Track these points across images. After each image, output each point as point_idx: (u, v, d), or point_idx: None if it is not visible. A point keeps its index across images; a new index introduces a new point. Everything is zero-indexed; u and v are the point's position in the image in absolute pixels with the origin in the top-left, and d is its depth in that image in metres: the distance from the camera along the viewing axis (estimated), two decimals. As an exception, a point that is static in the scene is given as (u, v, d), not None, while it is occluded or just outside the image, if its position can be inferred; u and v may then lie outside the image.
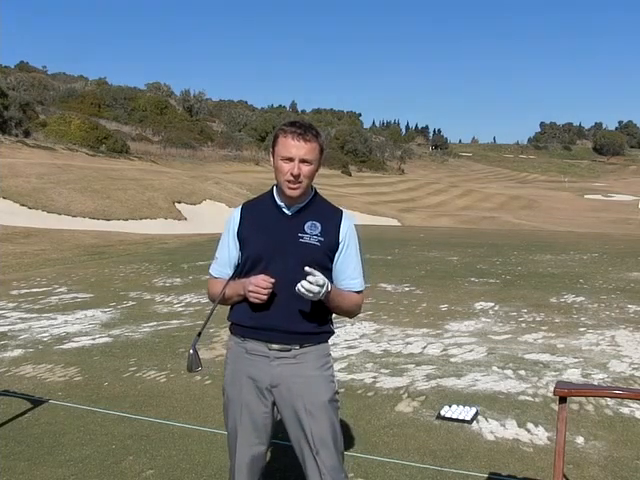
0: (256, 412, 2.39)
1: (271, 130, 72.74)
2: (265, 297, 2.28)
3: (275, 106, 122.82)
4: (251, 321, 2.37)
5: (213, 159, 56.59)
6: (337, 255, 2.40)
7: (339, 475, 2.38)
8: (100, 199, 26.42)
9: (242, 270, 2.41)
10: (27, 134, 43.17)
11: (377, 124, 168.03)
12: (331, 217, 2.42)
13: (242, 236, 2.42)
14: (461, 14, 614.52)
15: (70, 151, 40.92)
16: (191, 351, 2.42)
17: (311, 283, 2.19)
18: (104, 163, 37.68)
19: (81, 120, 45.90)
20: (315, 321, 2.38)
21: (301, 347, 2.37)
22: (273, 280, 2.27)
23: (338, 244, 2.39)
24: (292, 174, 2.29)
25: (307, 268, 2.21)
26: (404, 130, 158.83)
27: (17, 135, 42.19)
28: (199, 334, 2.47)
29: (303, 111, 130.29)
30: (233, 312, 2.46)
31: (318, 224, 2.37)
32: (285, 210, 2.40)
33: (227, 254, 2.47)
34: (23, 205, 23.95)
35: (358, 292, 2.45)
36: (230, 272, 2.46)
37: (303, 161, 2.30)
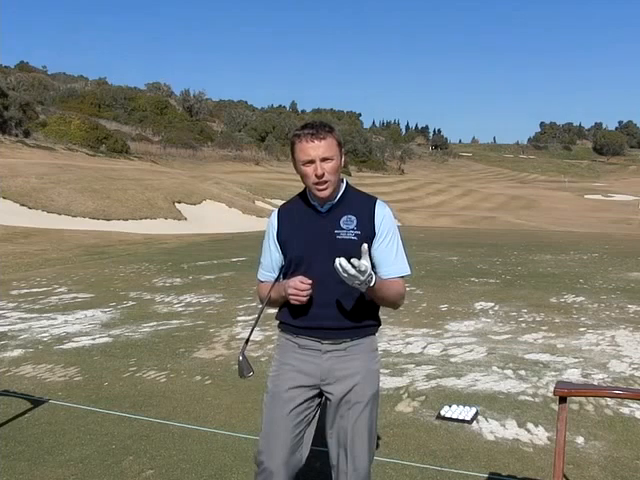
0: (302, 406, 2.40)
1: (271, 130, 72.79)
2: (305, 299, 2.30)
3: (275, 106, 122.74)
4: (302, 322, 2.40)
5: (213, 159, 56.57)
6: (376, 244, 2.38)
7: (367, 476, 2.41)
8: (100, 199, 26.40)
9: (287, 272, 2.44)
10: (27, 134, 43.13)
11: (377, 124, 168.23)
12: (365, 208, 2.40)
13: (282, 239, 2.44)
14: (461, 14, 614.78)
15: (70, 151, 40.92)
16: (241, 358, 2.45)
17: (351, 265, 2.14)
18: (104, 163, 37.66)
19: (81, 120, 45.90)
20: (363, 315, 2.40)
21: (352, 340, 2.40)
22: (310, 281, 2.28)
23: (375, 234, 2.38)
24: (316, 175, 2.30)
25: (364, 246, 2.21)
26: (404, 130, 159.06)
27: (17, 135, 42.17)
28: (247, 341, 2.50)
29: (303, 111, 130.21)
30: (282, 313, 2.48)
31: (353, 217, 2.37)
32: (319, 208, 2.41)
33: (270, 258, 2.50)
34: (23, 205, 23.92)
35: (402, 277, 2.41)
36: (276, 275, 2.49)
37: (324, 159, 2.30)
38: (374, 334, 2.48)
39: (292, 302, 2.32)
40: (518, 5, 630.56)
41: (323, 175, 2.29)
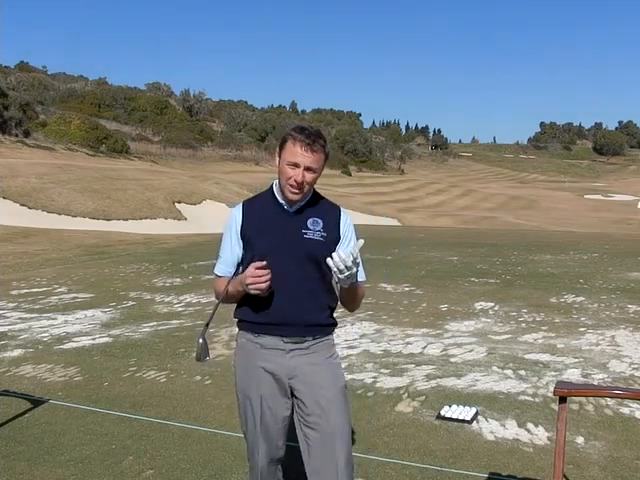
0: (277, 405, 2.44)
1: (271, 130, 72.78)
2: (264, 285, 2.30)
3: (275, 106, 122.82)
4: (264, 318, 2.41)
5: (213, 159, 56.60)
6: (340, 249, 2.44)
7: (351, 468, 2.42)
8: (100, 199, 26.42)
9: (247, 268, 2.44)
10: (27, 134, 43.13)
11: (377, 124, 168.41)
12: (331, 213, 2.50)
13: (246, 235, 2.45)
14: (460, 14, 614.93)
15: (70, 151, 40.94)
16: (200, 340, 2.46)
17: (350, 255, 2.24)
18: (104, 163, 37.67)
19: (81, 120, 45.92)
20: (324, 313, 2.47)
21: (313, 339, 2.44)
22: (264, 262, 2.30)
23: (340, 238, 2.46)
24: (296, 181, 2.35)
25: (361, 241, 2.29)
26: (404, 130, 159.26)
27: (17, 135, 42.17)
28: (207, 324, 2.52)
29: (303, 111, 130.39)
30: (242, 310, 2.48)
31: (320, 220, 2.44)
32: (287, 208, 2.44)
33: (230, 253, 2.50)
34: (23, 205, 23.95)
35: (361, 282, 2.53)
36: (234, 270, 2.50)
37: (308, 169, 2.36)
38: (332, 332, 2.54)
39: (252, 292, 2.32)
40: (518, 5, 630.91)
41: (302, 183, 2.36)
